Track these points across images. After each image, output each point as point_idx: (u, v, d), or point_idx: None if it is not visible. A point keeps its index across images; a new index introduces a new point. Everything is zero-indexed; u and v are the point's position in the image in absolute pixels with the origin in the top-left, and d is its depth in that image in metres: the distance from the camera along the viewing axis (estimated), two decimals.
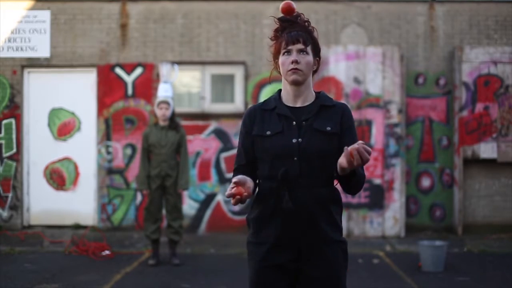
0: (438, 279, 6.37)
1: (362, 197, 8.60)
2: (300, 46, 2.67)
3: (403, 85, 8.69)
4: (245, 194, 2.50)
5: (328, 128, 2.64)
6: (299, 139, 2.61)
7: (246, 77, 8.95)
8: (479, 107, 8.81)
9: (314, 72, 2.76)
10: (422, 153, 9.04)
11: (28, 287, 5.97)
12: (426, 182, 9.04)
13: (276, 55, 2.75)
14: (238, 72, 9.06)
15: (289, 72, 2.65)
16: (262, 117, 2.71)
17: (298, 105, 2.70)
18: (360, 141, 2.38)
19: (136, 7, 9.04)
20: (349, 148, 2.35)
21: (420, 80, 9.05)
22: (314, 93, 2.76)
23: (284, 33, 2.74)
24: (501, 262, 7.27)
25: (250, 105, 8.84)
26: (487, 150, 8.77)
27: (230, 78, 9.13)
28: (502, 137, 8.80)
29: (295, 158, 2.60)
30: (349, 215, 8.57)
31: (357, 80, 8.68)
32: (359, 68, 8.67)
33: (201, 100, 9.08)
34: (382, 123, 8.65)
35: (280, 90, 2.78)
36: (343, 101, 8.60)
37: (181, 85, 9.12)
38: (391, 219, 8.62)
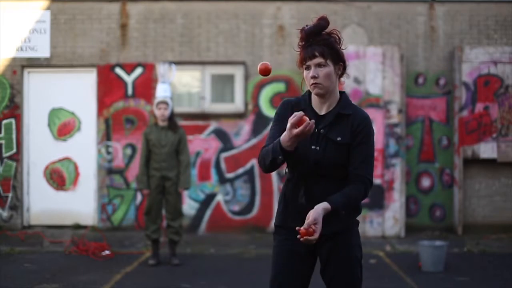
0: (438, 279, 6.37)
1: None
2: (317, 60, 2.82)
3: (403, 85, 8.69)
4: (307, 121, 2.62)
5: (339, 139, 2.84)
6: (317, 147, 2.84)
7: (246, 77, 8.95)
8: (479, 107, 8.81)
9: (341, 75, 2.93)
10: (422, 153, 9.04)
11: (28, 287, 5.97)
12: (426, 182, 9.04)
13: (300, 66, 2.91)
14: (238, 72, 9.06)
15: (311, 87, 2.86)
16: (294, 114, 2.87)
17: (323, 112, 2.91)
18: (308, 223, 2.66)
19: (136, 7, 9.04)
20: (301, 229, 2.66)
21: (420, 80, 9.05)
22: (338, 96, 2.93)
23: (306, 49, 2.85)
24: (501, 262, 7.27)
25: (250, 105, 8.90)
26: (487, 150, 8.77)
27: (230, 78, 9.13)
28: (502, 137, 8.80)
29: (312, 163, 2.84)
30: None
31: (357, 80, 8.68)
32: (359, 68, 8.67)
33: (201, 100, 9.08)
34: (382, 123, 8.65)
35: (310, 92, 2.94)
36: None
37: (181, 85, 9.12)
38: (391, 219, 8.63)
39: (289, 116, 2.69)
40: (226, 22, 9.03)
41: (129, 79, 9.02)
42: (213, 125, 8.98)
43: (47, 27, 9.01)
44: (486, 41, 9.05)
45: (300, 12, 9.01)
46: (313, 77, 2.81)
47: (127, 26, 9.04)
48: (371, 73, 8.68)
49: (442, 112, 9.04)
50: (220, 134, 8.98)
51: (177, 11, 9.05)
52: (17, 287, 5.99)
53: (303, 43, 2.86)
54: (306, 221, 2.67)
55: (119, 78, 9.02)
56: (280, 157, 2.72)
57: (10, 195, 8.95)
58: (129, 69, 9.01)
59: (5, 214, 8.93)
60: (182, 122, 8.54)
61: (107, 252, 7.57)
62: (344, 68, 2.92)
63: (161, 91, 7.10)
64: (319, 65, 2.82)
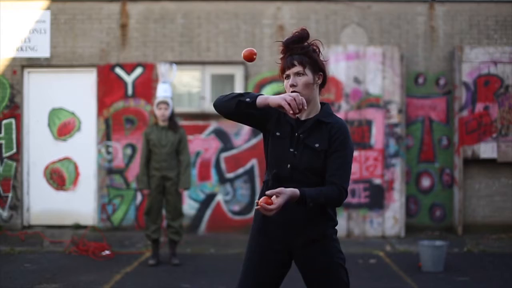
0: (438, 279, 6.37)
1: (362, 197, 8.61)
2: (296, 69, 2.87)
3: (403, 85, 8.69)
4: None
5: (316, 145, 2.88)
6: (295, 151, 2.88)
7: (246, 77, 8.95)
8: (479, 107, 8.81)
9: (322, 85, 2.98)
10: (422, 153, 9.04)
11: (28, 287, 5.97)
12: (426, 182, 9.04)
13: (281, 76, 2.97)
14: (238, 72, 9.06)
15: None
16: (279, 118, 2.95)
17: (303, 118, 2.95)
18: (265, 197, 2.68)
19: (136, 7, 9.04)
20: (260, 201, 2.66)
21: (420, 80, 9.05)
22: (319, 106, 2.97)
23: (285, 59, 2.91)
24: (501, 262, 7.27)
25: None
26: (487, 150, 8.77)
27: (230, 78, 9.13)
28: (502, 137, 8.80)
29: (288, 166, 2.88)
30: (349, 215, 8.57)
31: (357, 80, 8.68)
32: (359, 68, 8.67)
33: (201, 100, 9.08)
34: (382, 123, 8.65)
35: None
36: (343, 101, 8.62)
37: (181, 85, 9.13)
38: (391, 219, 8.63)
39: (275, 118, 2.89)
40: (226, 22, 9.03)
41: (129, 79, 9.02)
42: (213, 125, 8.98)
43: (47, 27, 9.01)
44: (486, 41, 9.05)
45: (300, 12, 9.01)
46: (292, 86, 2.86)
47: (127, 26, 9.04)
48: (371, 73, 8.68)
49: (442, 112, 9.04)
50: (220, 134, 8.98)
51: (177, 11, 9.05)
52: (17, 287, 5.99)
53: (283, 53, 2.92)
54: (269, 191, 2.69)
55: (119, 78, 9.02)
56: (248, 99, 2.78)
57: (10, 195, 8.95)
58: (129, 69, 9.01)
59: (5, 214, 8.93)
60: (182, 122, 8.54)
61: (107, 252, 7.57)
62: (324, 78, 2.96)
63: (162, 91, 7.10)
64: (297, 74, 2.87)
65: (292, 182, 2.85)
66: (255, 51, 2.93)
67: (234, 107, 2.81)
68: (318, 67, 2.91)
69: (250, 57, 2.90)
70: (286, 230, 2.91)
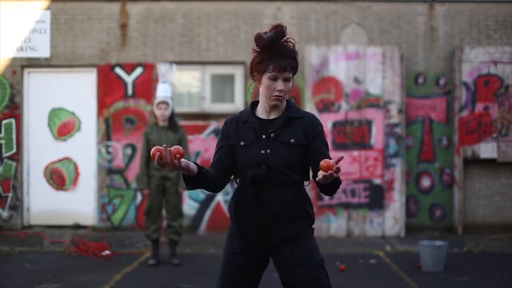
0: (438, 279, 6.37)
1: (362, 197, 8.61)
2: (286, 75, 2.85)
3: (403, 85, 8.69)
4: (166, 156, 2.61)
5: (292, 140, 2.86)
6: (268, 150, 2.85)
7: (246, 77, 8.95)
8: (479, 107, 8.81)
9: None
10: (422, 153, 9.04)
11: (28, 287, 5.97)
12: (426, 182, 9.04)
13: (257, 71, 2.88)
14: (238, 72, 9.06)
15: (273, 97, 2.86)
16: (238, 128, 2.94)
17: (272, 117, 2.93)
18: (333, 159, 2.54)
19: (136, 7, 9.04)
20: (323, 165, 2.52)
21: (420, 80, 9.05)
22: (285, 103, 2.95)
23: (274, 59, 2.82)
24: (501, 262, 7.27)
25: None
26: (487, 150, 8.77)
27: (230, 78, 9.14)
28: (502, 137, 8.80)
29: (263, 166, 2.85)
30: (349, 215, 8.57)
31: (357, 80, 8.68)
32: (359, 68, 8.67)
33: (201, 100, 9.08)
34: (382, 123, 8.65)
35: (253, 103, 3.00)
36: (343, 101, 8.62)
37: (181, 85, 9.13)
38: (391, 219, 8.62)
39: (232, 132, 2.88)
40: (226, 22, 9.03)
41: (129, 79, 9.02)
42: (213, 125, 8.98)
43: (47, 27, 9.01)
44: (486, 41, 9.05)
45: (300, 12, 9.01)
46: (280, 91, 2.84)
47: (127, 26, 9.04)
48: (371, 73, 8.68)
49: (442, 112, 9.04)
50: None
51: (177, 11, 9.05)
52: (17, 287, 5.99)
53: (268, 51, 2.82)
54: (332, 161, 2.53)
55: (119, 78, 9.02)
56: (183, 180, 2.84)
57: (10, 195, 8.95)
58: (129, 69, 9.01)
59: (5, 214, 8.93)
60: (182, 122, 8.54)
61: (107, 252, 7.57)
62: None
63: (162, 91, 7.10)
64: (287, 79, 2.86)
65: (269, 182, 2.85)
66: None
67: (192, 187, 2.88)
68: (296, 72, 2.93)
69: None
70: (262, 229, 2.88)
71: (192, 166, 2.75)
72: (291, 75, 2.87)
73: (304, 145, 2.87)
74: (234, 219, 2.96)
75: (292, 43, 2.88)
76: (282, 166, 2.84)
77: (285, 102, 2.95)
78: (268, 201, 2.85)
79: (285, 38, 2.86)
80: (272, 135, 2.87)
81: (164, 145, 2.62)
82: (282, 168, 2.84)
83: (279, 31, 2.83)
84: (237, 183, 3.00)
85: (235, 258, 2.95)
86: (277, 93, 2.84)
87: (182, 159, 2.65)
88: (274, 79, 2.84)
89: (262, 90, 2.90)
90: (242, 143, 2.91)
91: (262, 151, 2.86)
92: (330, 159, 2.71)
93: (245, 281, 2.95)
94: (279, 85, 2.84)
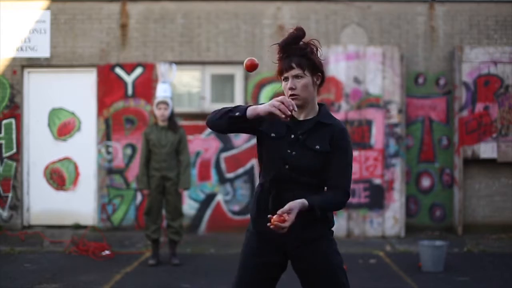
0: (438, 279, 6.37)
1: (362, 197, 8.61)
2: (294, 72, 2.84)
3: (403, 85, 8.69)
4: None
5: (317, 147, 2.85)
6: (293, 152, 2.85)
7: (246, 77, 8.95)
8: (479, 107, 8.81)
9: (320, 85, 2.93)
10: (422, 153, 9.04)
11: (28, 287, 5.97)
12: (426, 182, 9.04)
13: (279, 77, 2.94)
14: (238, 72, 9.06)
15: (289, 98, 2.83)
16: (273, 121, 2.88)
17: (301, 118, 2.91)
18: (280, 213, 2.66)
19: (136, 7, 9.04)
20: (274, 217, 2.65)
21: (420, 80, 9.05)
22: (317, 107, 2.93)
23: (283, 60, 2.87)
24: (501, 262, 7.27)
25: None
26: (487, 150, 8.77)
27: (230, 78, 9.14)
28: (502, 137, 8.80)
29: (287, 167, 2.85)
30: (349, 215, 8.57)
31: (357, 80, 8.68)
32: (359, 68, 8.67)
33: (201, 100, 9.08)
34: (382, 123, 8.65)
35: None
36: (343, 101, 8.62)
37: (181, 85, 9.13)
38: (391, 219, 8.62)
39: (267, 122, 2.85)
40: (226, 22, 9.03)
41: (129, 79, 9.02)
42: None
43: (47, 27, 9.01)
44: (486, 41, 9.05)
45: (300, 12, 9.01)
46: (291, 89, 2.84)
47: (127, 26, 9.04)
48: (371, 73, 8.68)
49: (442, 112, 9.04)
50: (220, 134, 8.97)
51: (177, 11, 9.05)
52: (17, 287, 5.99)
53: (281, 54, 2.88)
54: (281, 210, 2.67)
55: (119, 78, 9.02)
56: (238, 113, 2.74)
57: (10, 195, 8.95)
58: (129, 69, 9.01)
59: (5, 214, 8.93)
60: (182, 122, 8.54)
61: (107, 252, 7.57)
62: (323, 78, 2.93)
63: (161, 91, 7.10)
64: (296, 77, 2.84)
65: (290, 183, 2.84)
66: (256, 61, 2.87)
67: (226, 124, 2.81)
68: (316, 68, 2.88)
69: (252, 67, 2.84)
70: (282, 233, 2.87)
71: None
72: (302, 72, 2.83)
73: (328, 153, 2.86)
74: (255, 217, 2.94)
75: (308, 44, 2.87)
76: (304, 170, 2.84)
77: (316, 103, 2.93)
78: (287, 202, 2.78)
79: (303, 40, 2.87)
80: (300, 137, 2.86)
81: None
82: (304, 172, 2.84)
83: (293, 33, 2.85)
84: (260, 178, 3.00)
85: (253, 259, 2.94)
86: (290, 92, 2.84)
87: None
88: (285, 79, 2.87)
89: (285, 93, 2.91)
90: (273, 135, 2.89)
91: (288, 150, 2.85)
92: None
93: (262, 283, 2.94)
94: (289, 83, 2.85)
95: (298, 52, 2.84)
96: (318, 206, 2.76)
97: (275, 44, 2.92)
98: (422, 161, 9.04)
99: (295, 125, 2.88)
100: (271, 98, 2.88)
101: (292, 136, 2.86)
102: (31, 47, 9.01)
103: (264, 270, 2.93)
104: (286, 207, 2.68)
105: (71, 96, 9.09)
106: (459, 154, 8.76)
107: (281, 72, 2.87)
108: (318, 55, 2.90)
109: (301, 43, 2.87)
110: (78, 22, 9.04)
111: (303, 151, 2.84)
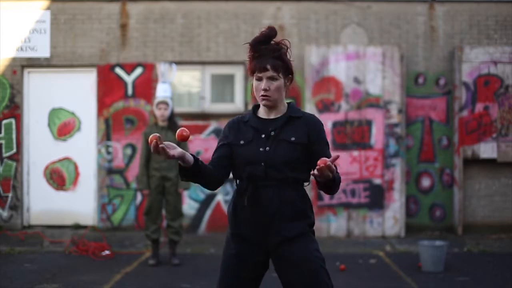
0: (438, 279, 6.37)
1: (362, 197, 8.61)
2: (269, 74, 2.88)
3: (403, 85, 8.69)
4: (161, 145, 2.58)
5: (293, 138, 2.89)
6: (266, 148, 2.88)
7: (246, 77, 8.95)
8: (479, 107, 8.81)
9: (288, 86, 3.00)
10: (422, 153, 9.04)
11: (28, 287, 5.97)
12: (426, 182, 9.04)
13: (249, 72, 2.96)
14: (238, 72, 9.06)
15: (260, 98, 2.92)
16: (239, 128, 2.97)
17: (272, 116, 2.97)
18: (329, 158, 2.61)
19: (136, 7, 9.04)
20: (319, 162, 2.57)
21: (420, 80, 9.05)
22: (286, 105, 3.01)
23: (257, 59, 2.90)
24: (501, 262, 7.27)
25: (250, 105, 8.89)
26: (487, 150, 8.77)
27: (230, 78, 9.14)
28: (502, 137, 8.80)
29: (262, 164, 2.86)
30: (349, 215, 8.57)
31: (357, 80, 8.68)
32: (359, 68, 8.67)
33: (201, 100, 9.08)
34: (382, 123, 8.65)
35: (256, 105, 3.04)
36: (343, 101, 8.62)
37: (181, 85, 9.13)
38: (391, 219, 8.62)
39: (233, 132, 2.93)
40: (226, 22, 9.03)
41: (129, 79, 9.02)
42: (213, 125, 8.98)
43: (47, 27, 9.01)
44: (486, 41, 9.05)
45: (300, 12, 9.01)
46: (265, 90, 2.88)
47: (127, 26, 9.04)
48: (371, 73, 8.68)
49: (442, 112, 9.04)
50: (220, 134, 8.96)
51: (177, 11, 9.05)
52: (17, 287, 6.00)
53: (252, 53, 2.90)
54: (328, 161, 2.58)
55: (119, 78, 9.02)
56: (180, 173, 2.77)
57: (10, 195, 8.95)
58: (129, 69, 9.01)
59: (5, 214, 8.93)
60: (182, 122, 8.54)
61: (107, 252, 7.57)
62: (292, 79, 3.00)
63: (161, 91, 7.10)
64: (271, 78, 2.88)
65: (267, 180, 2.86)
66: (186, 133, 2.71)
67: (187, 179, 2.82)
68: (289, 70, 2.94)
69: (182, 138, 2.69)
70: (261, 230, 2.87)
71: (189, 157, 2.71)
72: (276, 74, 2.87)
73: (305, 145, 2.90)
74: (232, 218, 2.95)
75: (280, 44, 2.92)
76: (281, 164, 2.85)
77: (285, 103, 2.99)
78: (266, 200, 2.85)
79: (275, 40, 2.92)
80: (272, 133, 2.90)
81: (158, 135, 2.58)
82: (281, 166, 2.85)
83: (266, 32, 2.90)
84: (236, 184, 2.99)
85: (234, 259, 2.93)
86: (262, 93, 2.88)
87: (180, 149, 2.66)
88: (259, 79, 2.91)
89: (255, 93, 2.95)
90: (241, 142, 2.93)
91: (261, 149, 2.88)
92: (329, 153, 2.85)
93: (245, 283, 2.94)
94: (263, 84, 2.88)
95: (272, 53, 2.89)
96: (338, 177, 2.79)
97: (246, 43, 2.95)
98: (422, 161, 9.04)
99: (264, 126, 2.93)
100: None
101: (263, 135, 2.91)
102: (31, 47, 9.01)
103: (246, 270, 2.93)
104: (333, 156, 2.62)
105: (71, 96, 9.09)
106: (459, 154, 8.76)
107: (253, 71, 2.90)
108: (288, 55, 2.95)
109: (272, 42, 2.91)
110: (78, 22, 9.04)
111: (278, 145, 2.88)
